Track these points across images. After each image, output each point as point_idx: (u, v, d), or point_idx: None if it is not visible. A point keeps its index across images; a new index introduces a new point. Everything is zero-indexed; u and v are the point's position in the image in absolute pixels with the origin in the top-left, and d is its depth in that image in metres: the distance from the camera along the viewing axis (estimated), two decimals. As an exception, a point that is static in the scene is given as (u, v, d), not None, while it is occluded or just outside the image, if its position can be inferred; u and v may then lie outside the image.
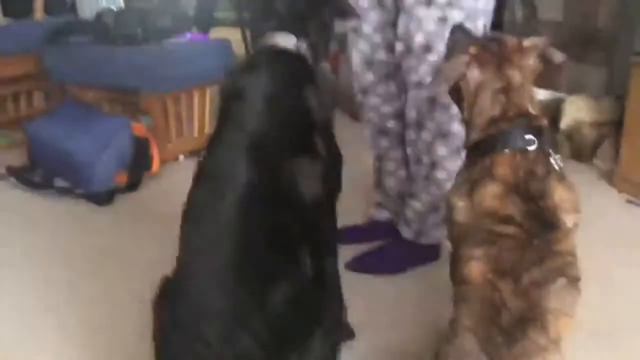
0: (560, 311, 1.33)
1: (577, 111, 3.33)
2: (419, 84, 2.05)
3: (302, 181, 1.46)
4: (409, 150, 2.21)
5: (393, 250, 2.31)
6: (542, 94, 4.01)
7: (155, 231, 2.55)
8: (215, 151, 1.51)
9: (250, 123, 1.47)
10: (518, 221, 1.36)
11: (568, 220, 1.38)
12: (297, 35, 1.63)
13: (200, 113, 3.29)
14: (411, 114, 2.12)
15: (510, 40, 1.54)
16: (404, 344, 1.83)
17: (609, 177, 3.00)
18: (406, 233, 2.30)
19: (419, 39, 1.99)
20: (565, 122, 3.35)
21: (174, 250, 2.41)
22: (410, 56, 2.02)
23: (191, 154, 3.25)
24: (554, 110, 3.47)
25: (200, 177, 1.52)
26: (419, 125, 2.11)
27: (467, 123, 1.52)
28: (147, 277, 2.22)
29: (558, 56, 1.59)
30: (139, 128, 2.98)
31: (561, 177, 1.41)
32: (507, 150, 1.42)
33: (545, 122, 1.49)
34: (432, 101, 2.06)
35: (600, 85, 3.83)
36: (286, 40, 1.62)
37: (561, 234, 1.37)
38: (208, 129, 3.33)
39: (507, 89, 1.48)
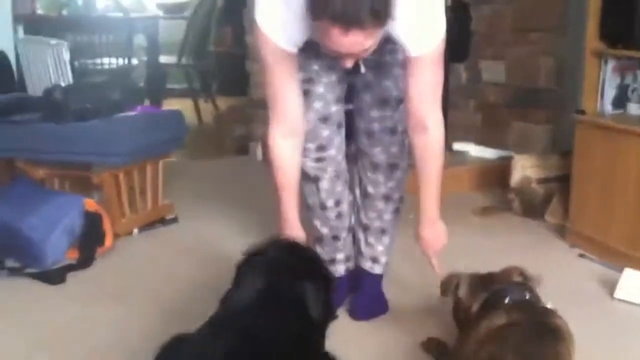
0: None
1: (524, 169, 3.40)
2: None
3: None
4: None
5: (376, 289, 2.47)
6: (490, 153, 4.12)
7: (105, 314, 2.50)
8: None
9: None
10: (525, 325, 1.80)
11: None
12: None
13: (154, 186, 3.27)
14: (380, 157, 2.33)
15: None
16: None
17: (561, 232, 3.06)
18: (377, 269, 2.47)
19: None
20: (514, 180, 3.42)
21: (122, 333, 2.38)
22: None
23: (145, 227, 3.22)
24: (503, 169, 3.55)
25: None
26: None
27: None
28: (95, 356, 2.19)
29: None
30: (91, 204, 2.94)
31: None
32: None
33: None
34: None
35: (546, 143, 3.95)
36: None
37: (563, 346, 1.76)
38: (161, 201, 3.32)
39: None
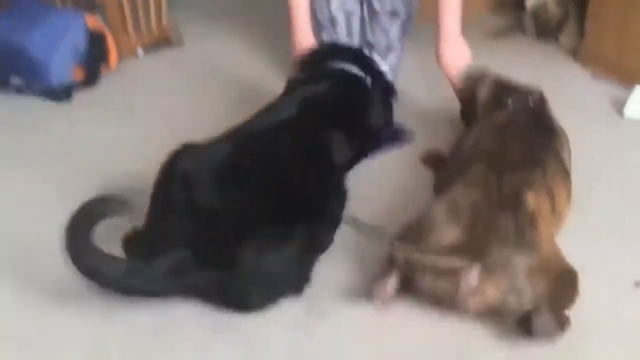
0: (556, 176, 1.72)
1: (542, -11, 3.27)
2: None
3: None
4: None
5: None
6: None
7: (115, 128, 2.51)
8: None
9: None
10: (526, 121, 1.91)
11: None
12: None
13: (157, 4, 3.17)
14: None
15: None
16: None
17: (574, 54, 2.99)
18: None
19: None
20: (530, 1, 3.30)
21: (134, 145, 2.40)
22: None
23: (150, 48, 3.15)
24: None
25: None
26: None
27: None
28: (103, 172, 2.22)
29: None
30: (94, 21, 2.87)
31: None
32: None
33: None
34: None
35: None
36: None
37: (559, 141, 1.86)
38: (165, 21, 3.23)
39: None
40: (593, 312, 1.57)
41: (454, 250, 1.48)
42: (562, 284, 1.48)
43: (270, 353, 1.56)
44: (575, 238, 1.72)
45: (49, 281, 1.74)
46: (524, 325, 1.47)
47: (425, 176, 2.15)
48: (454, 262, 1.45)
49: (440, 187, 1.94)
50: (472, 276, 1.43)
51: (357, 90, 2.08)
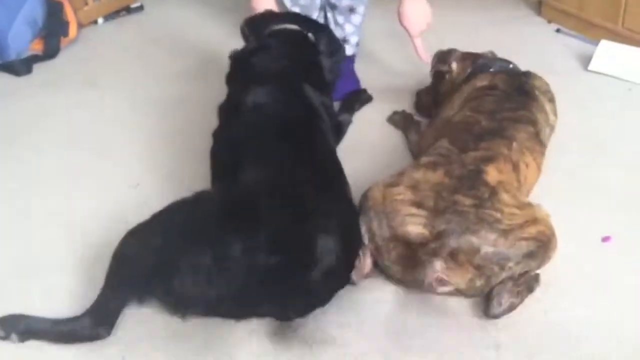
0: (523, 145, 1.70)
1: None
2: None
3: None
4: None
5: (348, 69, 2.41)
6: None
7: (76, 98, 2.47)
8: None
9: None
10: (502, 88, 1.88)
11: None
12: None
13: (115, -30, 3.09)
14: None
15: None
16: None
17: (538, 8, 2.99)
18: (348, 50, 2.41)
19: None
20: (493, -45, 3.28)
21: (98, 114, 2.37)
22: None
23: (110, 16, 3.09)
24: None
25: None
26: None
27: None
28: (78, 141, 2.21)
29: None
30: (51, -9, 2.80)
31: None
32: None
33: None
34: None
35: None
36: None
37: (536, 105, 1.86)
38: (125, -12, 3.15)
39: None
40: (560, 267, 1.61)
41: (418, 238, 1.48)
42: (535, 250, 1.49)
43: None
44: (545, 196, 1.74)
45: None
46: (485, 303, 1.51)
47: (397, 138, 2.17)
48: (418, 257, 1.47)
49: (416, 153, 1.97)
50: (436, 269, 1.44)
51: (305, 44, 2.07)
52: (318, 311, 1.52)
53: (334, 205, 1.54)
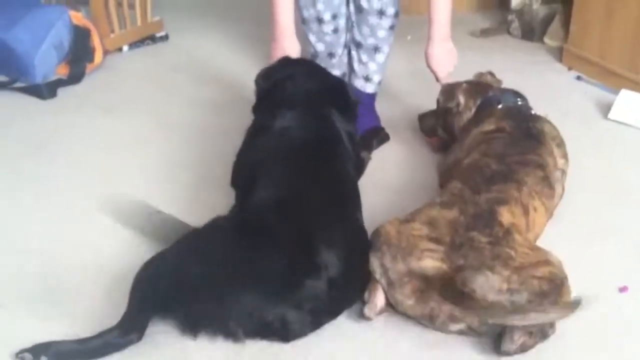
0: (532, 189, 1.69)
1: (527, -11, 3.29)
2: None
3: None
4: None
5: (369, 107, 2.44)
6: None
7: (100, 122, 2.49)
8: None
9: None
10: (510, 131, 1.87)
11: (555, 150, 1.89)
12: None
13: (142, 1, 3.15)
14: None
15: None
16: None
17: (559, 55, 3.01)
18: (370, 88, 2.45)
19: None
20: (515, 1, 3.32)
21: (119, 138, 2.39)
22: None
23: (135, 44, 3.14)
24: (504, -11, 3.42)
25: None
26: None
27: None
28: (94, 166, 2.21)
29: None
30: (78, 17, 2.85)
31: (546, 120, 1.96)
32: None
33: None
34: None
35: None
36: None
37: (544, 149, 1.83)
38: (150, 17, 3.21)
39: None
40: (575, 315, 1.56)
41: (436, 272, 1.48)
42: (547, 290, 1.47)
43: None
44: (563, 240, 1.73)
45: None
46: (497, 342, 1.49)
47: (412, 178, 2.17)
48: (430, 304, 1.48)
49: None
50: (448, 311, 1.45)
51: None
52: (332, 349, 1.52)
53: (340, 224, 1.62)
